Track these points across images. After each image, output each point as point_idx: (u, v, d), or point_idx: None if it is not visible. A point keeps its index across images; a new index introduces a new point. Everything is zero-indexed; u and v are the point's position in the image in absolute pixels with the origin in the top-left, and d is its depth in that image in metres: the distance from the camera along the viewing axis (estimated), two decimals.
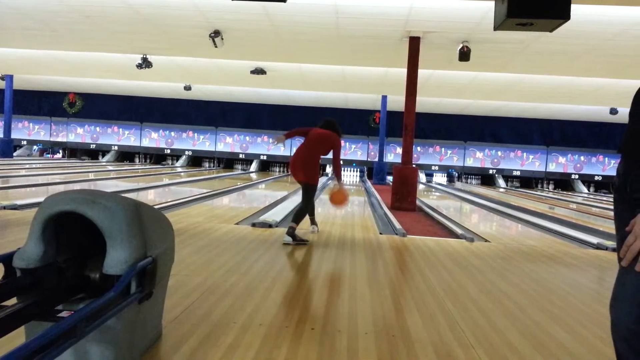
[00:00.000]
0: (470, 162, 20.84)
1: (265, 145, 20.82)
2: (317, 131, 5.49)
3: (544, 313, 3.04)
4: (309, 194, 5.35)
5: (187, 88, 17.62)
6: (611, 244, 5.66)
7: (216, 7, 8.35)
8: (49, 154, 22.09)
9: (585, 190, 20.08)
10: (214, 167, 21.20)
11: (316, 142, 5.43)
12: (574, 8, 5.36)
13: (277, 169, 21.14)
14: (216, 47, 9.78)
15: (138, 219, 1.90)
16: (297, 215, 5.14)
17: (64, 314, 1.71)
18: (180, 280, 3.15)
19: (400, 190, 9.17)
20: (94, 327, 1.56)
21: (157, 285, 2.02)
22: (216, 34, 9.56)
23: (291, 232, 4.93)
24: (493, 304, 3.17)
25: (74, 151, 21.87)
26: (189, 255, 4.02)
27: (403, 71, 9.60)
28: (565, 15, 5.38)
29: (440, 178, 21.32)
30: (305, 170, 5.30)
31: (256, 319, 2.60)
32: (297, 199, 9.36)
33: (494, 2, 5.91)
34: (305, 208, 5.25)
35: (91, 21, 9.60)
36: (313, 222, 5.71)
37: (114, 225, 1.82)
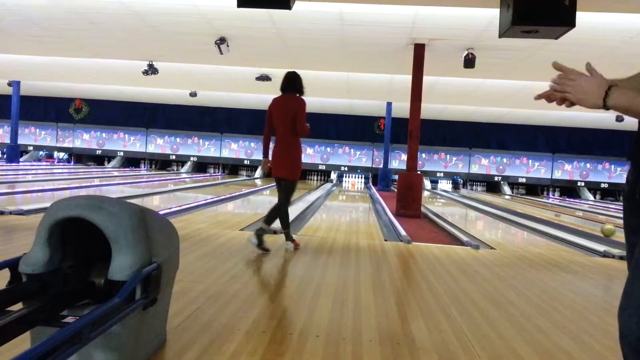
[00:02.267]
0: (475, 169, 20.80)
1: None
2: (277, 106, 4.72)
3: (550, 321, 3.02)
4: (288, 192, 4.66)
5: (193, 94, 17.70)
6: (618, 252, 5.62)
7: (222, 15, 8.40)
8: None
9: (591, 197, 19.99)
10: (219, 173, 21.24)
11: (281, 120, 4.62)
12: (579, 15, 5.36)
13: None
14: (222, 54, 9.83)
15: (143, 225, 1.90)
16: (271, 215, 4.60)
17: (69, 319, 1.72)
18: (184, 287, 3.15)
19: (405, 196, 9.16)
20: (99, 333, 1.56)
21: (161, 291, 2.01)
22: (222, 41, 9.62)
23: (260, 234, 4.47)
24: (498, 311, 3.15)
25: (80, 157, 21.99)
26: (193, 261, 4.02)
27: (408, 78, 9.61)
28: (570, 23, 5.39)
29: (445, 185, 21.28)
30: (283, 161, 4.61)
31: (260, 326, 2.59)
32: (302, 205, 9.37)
33: (499, 9, 5.92)
34: (281, 207, 4.63)
35: (97, 28, 9.67)
36: (288, 237, 4.78)
37: (120, 231, 1.82)
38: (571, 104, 1.38)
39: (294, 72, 4.86)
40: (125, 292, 1.72)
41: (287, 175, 4.64)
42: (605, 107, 1.31)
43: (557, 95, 1.39)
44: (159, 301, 2.02)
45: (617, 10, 7.02)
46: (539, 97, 1.45)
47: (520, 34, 5.82)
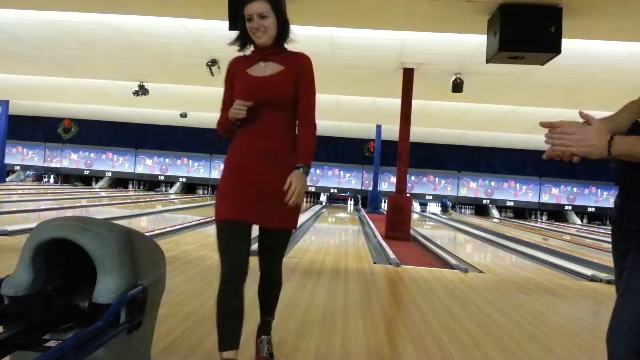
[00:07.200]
0: (464, 192, 20.92)
1: None
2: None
3: (538, 346, 3.01)
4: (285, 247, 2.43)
5: (183, 115, 17.69)
6: (606, 276, 5.65)
7: (213, 37, 8.45)
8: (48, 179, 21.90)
9: (578, 221, 20.15)
10: (208, 194, 21.15)
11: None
12: (565, 42, 5.47)
13: None
14: (213, 75, 9.88)
15: (129, 247, 1.88)
16: (275, 298, 2.52)
17: (51, 343, 1.68)
18: (171, 310, 3.10)
19: (395, 219, 9.16)
20: (82, 358, 1.53)
21: (147, 314, 1.98)
22: (213, 62, 9.67)
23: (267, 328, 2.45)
24: (487, 336, 3.13)
25: (68, 177, 21.79)
26: (180, 283, 3.96)
27: (397, 101, 9.70)
28: (556, 50, 5.50)
29: (434, 207, 21.35)
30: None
31: (247, 350, 2.55)
32: None
33: (486, 35, 6.03)
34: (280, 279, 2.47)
35: (87, 48, 9.68)
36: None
37: (105, 253, 1.80)
38: (578, 157, 1.29)
39: None
40: (109, 315, 1.69)
41: (291, 226, 2.33)
42: (610, 155, 1.25)
43: (562, 150, 1.28)
44: (144, 325, 1.98)
45: (601, 38, 7.18)
46: (547, 156, 1.35)
47: (507, 60, 5.92)
